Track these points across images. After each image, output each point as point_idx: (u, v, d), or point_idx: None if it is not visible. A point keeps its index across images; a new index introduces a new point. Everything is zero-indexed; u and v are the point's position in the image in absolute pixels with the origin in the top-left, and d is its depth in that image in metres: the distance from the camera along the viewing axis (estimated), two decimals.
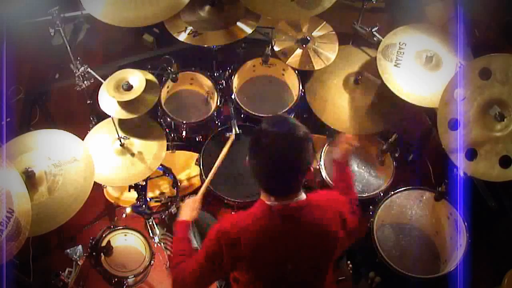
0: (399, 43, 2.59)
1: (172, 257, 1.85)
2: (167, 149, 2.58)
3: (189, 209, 2.04)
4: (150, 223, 2.75)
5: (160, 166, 2.56)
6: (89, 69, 2.56)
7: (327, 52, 2.78)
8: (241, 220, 1.64)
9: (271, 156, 1.54)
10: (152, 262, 2.58)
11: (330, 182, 2.57)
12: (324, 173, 2.61)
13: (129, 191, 2.62)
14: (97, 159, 2.33)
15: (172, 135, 2.77)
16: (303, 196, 1.65)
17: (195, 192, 2.80)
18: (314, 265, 1.74)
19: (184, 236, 1.92)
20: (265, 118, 1.64)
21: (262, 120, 1.62)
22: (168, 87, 2.80)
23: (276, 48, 2.79)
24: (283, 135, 1.53)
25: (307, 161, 1.58)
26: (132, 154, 2.46)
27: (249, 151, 1.61)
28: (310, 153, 1.58)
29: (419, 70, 2.53)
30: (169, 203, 2.69)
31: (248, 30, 2.65)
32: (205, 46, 2.69)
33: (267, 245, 1.64)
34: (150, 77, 2.47)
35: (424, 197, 2.54)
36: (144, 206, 2.58)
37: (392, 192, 2.50)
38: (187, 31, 2.64)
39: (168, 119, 2.69)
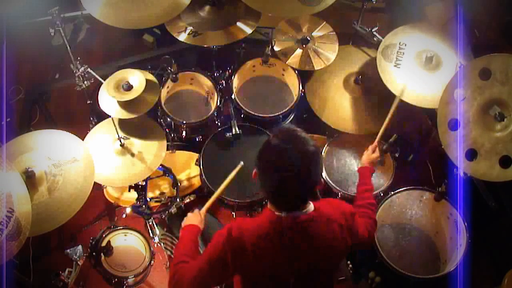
0: (399, 43, 2.59)
1: (175, 256, 1.83)
2: (167, 149, 2.58)
3: (195, 218, 2.03)
4: (150, 223, 2.75)
5: (160, 166, 2.56)
6: (89, 69, 2.56)
7: (327, 52, 2.78)
8: (248, 228, 1.63)
9: (282, 172, 1.52)
10: (152, 262, 2.58)
11: (331, 183, 2.57)
12: (324, 174, 2.61)
13: (129, 191, 2.61)
14: (97, 159, 2.33)
15: (172, 135, 2.76)
16: (311, 207, 1.64)
17: (195, 192, 2.82)
18: (317, 279, 1.74)
19: (192, 239, 1.90)
20: (273, 132, 1.61)
21: (271, 134, 1.60)
22: (168, 87, 2.80)
23: (276, 48, 2.79)
24: (294, 150, 1.51)
25: (318, 175, 1.58)
26: (132, 154, 2.46)
27: (259, 166, 1.59)
28: (320, 166, 1.59)
29: (419, 71, 2.53)
30: (169, 203, 2.69)
31: (248, 30, 2.65)
32: (205, 46, 2.68)
33: (273, 257, 1.63)
34: (150, 77, 2.47)
35: (424, 197, 2.54)
36: (144, 206, 2.58)
37: (392, 192, 2.50)
38: (187, 31, 2.64)
39: (168, 119, 2.69)
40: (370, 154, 2.25)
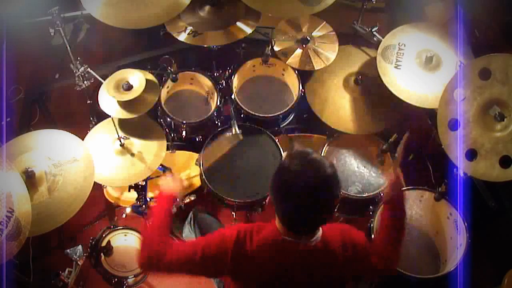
0: (399, 44, 2.59)
1: (152, 233, 1.71)
2: (167, 149, 2.58)
3: (176, 184, 1.92)
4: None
5: (160, 166, 2.56)
6: (89, 69, 2.56)
7: (327, 52, 2.78)
8: (254, 240, 1.59)
9: (302, 198, 1.46)
10: None
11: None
12: None
13: (129, 191, 2.62)
14: (97, 159, 2.33)
15: (172, 135, 2.76)
16: (319, 236, 1.59)
17: (195, 192, 2.82)
18: None
19: (170, 213, 1.79)
20: (288, 156, 1.55)
21: (285, 157, 1.55)
22: (168, 87, 2.80)
23: (276, 48, 2.79)
24: (313, 175, 1.46)
25: (337, 197, 1.52)
26: (132, 154, 2.46)
27: (275, 191, 1.53)
28: (339, 187, 1.52)
29: (419, 71, 2.53)
30: None
31: (248, 30, 2.65)
32: (205, 46, 2.68)
33: (268, 278, 1.61)
34: (150, 77, 2.47)
35: (424, 197, 2.54)
36: (144, 206, 2.58)
37: None
38: (187, 31, 2.64)
39: (168, 119, 2.69)
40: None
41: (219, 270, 1.63)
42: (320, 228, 1.60)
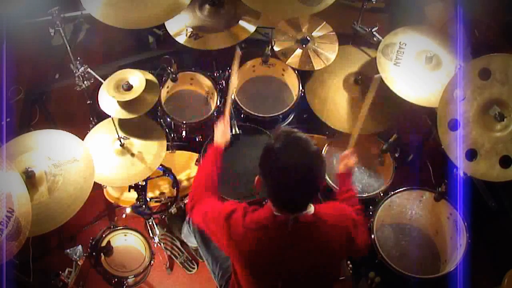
0: (399, 43, 2.59)
1: (198, 178, 1.97)
2: (167, 149, 2.58)
3: (220, 133, 2.09)
4: (150, 223, 2.75)
5: (160, 166, 2.56)
6: (89, 69, 2.56)
7: (327, 52, 2.78)
8: (252, 218, 1.64)
9: (287, 175, 1.51)
10: (152, 262, 2.59)
11: (332, 183, 2.56)
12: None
13: (129, 191, 2.61)
14: (97, 159, 2.33)
15: (172, 135, 2.76)
16: (311, 209, 1.63)
17: None
18: (310, 285, 1.74)
19: (217, 165, 1.97)
20: (273, 135, 1.59)
21: (271, 137, 1.59)
22: (168, 87, 2.80)
23: (276, 48, 2.79)
24: (297, 152, 1.51)
25: (322, 176, 1.57)
26: (132, 154, 2.46)
27: (262, 170, 1.58)
28: (324, 168, 1.57)
29: (419, 69, 2.54)
30: (169, 203, 2.69)
31: (252, 28, 2.64)
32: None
33: (267, 257, 1.64)
34: (150, 77, 2.47)
35: (424, 197, 2.54)
36: (144, 206, 2.58)
37: (392, 192, 2.50)
38: (187, 32, 2.63)
39: (168, 119, 2.69)
40: (347, 162, 2.13)
41: (220, 240, 1.71)
42: (312, 205, 1.63)
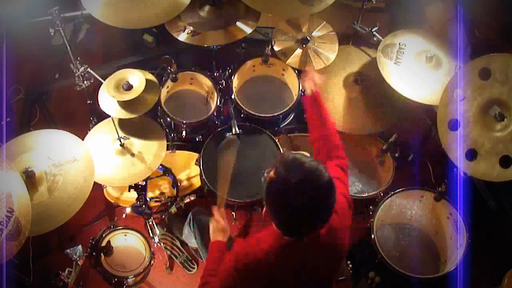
0: (399, 44, 2.60)
1: (202, 275, 1.82)
2: (167, 149, 2.58)
3: (218, 231, 1.98)
4: (150, 223, 2.75)
5: (160, 166, 2.56)
6: (89, 69, 2.56)
7: (327, 52, 2.78)
8: (255, 253, 1.61)
9: (302, 213, 1.46)
10: (152, 262, 2.58)
11: None
12: None
13: (129, 191, 2.62)
14: (97, 159, 2.33)
15: (172, 135, 2.76)
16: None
17: (195, 192, 2.82)
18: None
19: (220, 255, 1.86)
20: (281, 166, 1.47)
21: (279, 167, 1.48)
22: (168, 87, 2.80)
23: (276, 48, 2.78)
24: (311, 189, 1.44)
25: (334, 201, 1.51)
26: (132, 154, 2.46)
27: (272, 203, 1.50)
28: (335, 193, 1.50)
29: (419, 68, 2.54)
30: (169, 203, 2.69)
31: (248, 30, 2.65)
32: (205, 46, 2.68)
33: (279, 281, 1.64)
34: (150, 77, 2.47)
35: (424, 197, 2.54)
36: (144, 206, 2.58)
37: (392, 192, 2.50)
38: (187, 31, 2.64)
39: (168, 119, 2.69)
40: (314, 81, 2.03)
41: None
42: None
